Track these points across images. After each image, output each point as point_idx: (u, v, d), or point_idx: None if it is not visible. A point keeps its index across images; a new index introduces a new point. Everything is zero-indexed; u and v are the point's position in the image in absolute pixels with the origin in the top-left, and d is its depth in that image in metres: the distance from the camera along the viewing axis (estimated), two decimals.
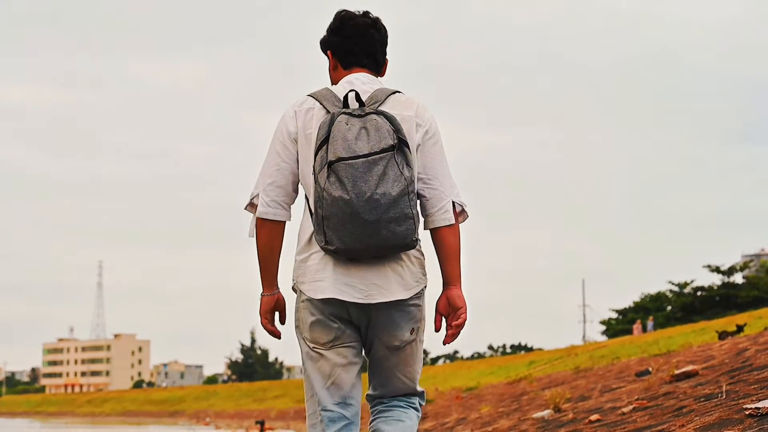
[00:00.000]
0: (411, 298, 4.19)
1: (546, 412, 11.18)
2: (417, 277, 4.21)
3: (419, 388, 4.43)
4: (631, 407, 9.07)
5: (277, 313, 4.36)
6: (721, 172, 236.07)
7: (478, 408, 18.16)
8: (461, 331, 4.28)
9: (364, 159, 3.98)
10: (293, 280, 4.29)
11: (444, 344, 4.31)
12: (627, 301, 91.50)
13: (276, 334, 4.35)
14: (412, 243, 4.07)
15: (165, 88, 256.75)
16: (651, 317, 65.52)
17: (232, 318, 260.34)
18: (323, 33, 4.45)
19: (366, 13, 4.38)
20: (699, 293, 75.40)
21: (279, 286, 4.35)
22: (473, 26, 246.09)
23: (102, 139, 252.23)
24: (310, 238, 4.19)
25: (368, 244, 4.01)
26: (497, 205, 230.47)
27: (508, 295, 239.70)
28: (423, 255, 4.25)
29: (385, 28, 4.43)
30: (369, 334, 4.27)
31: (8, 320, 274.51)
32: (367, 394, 4.52)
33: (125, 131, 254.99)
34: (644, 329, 59.34)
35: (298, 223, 4.32)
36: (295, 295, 4.31)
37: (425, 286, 4.25)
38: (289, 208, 4.25)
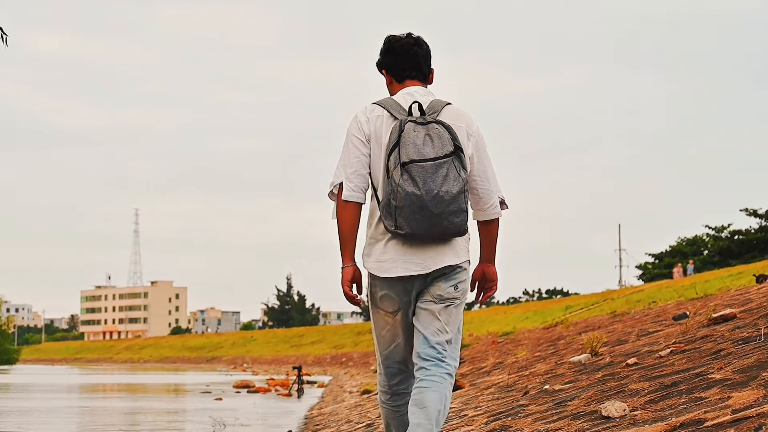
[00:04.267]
0: (460, 263, 5.12)
1: (583, 356, 11.18)
2: (465, 249, 5.16)
3: (454, 352, 5.16)
4: (668, 350, 9.05)
5: (354, 285, 5.13)
6: (759, 116, 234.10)
7: (515, 352, 18.21)
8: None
9: (432, 162, 4.90)
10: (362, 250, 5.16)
11: (480, 303, 5.40)
12: (663, 246, 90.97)
13: (357, 302, 5.09)
14: (464, 231, 5.03)
15: (196, 36, 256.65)
16: (691, 261, 65.32)
17: (269, 264, 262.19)
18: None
19: (409, 34, 5.25)
20: (736, 237, 74.90)
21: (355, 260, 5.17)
22: None
23: (135, 88, 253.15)
24: (378, 222, 5.09)
25: (431, 231, 4.96)
26: (534, 148, 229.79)
27: (543, 240, 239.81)
28: (469, 234, 5.16)
29: (426, 44, 5.28)
30: (421, 293, 5.13)
31: (46, 268, 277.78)
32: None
33: (158, 79, 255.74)
34: (685, 272, 59.17)
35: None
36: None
37: (469, 259, 5.21)
38: (365, 193, 5.12)
